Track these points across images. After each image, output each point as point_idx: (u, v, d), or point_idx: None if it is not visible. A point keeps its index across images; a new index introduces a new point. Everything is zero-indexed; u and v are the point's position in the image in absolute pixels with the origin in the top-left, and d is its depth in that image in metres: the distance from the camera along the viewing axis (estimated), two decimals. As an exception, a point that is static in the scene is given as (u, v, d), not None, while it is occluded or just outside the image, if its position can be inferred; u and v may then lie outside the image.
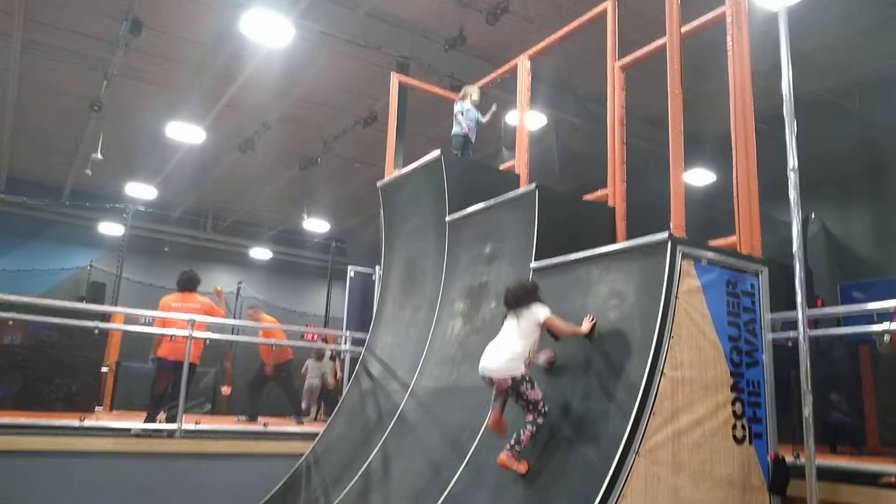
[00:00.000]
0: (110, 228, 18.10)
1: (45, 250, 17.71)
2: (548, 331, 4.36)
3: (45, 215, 17.75)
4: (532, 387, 4.18)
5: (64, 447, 5.78)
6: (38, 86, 12.52)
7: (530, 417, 4.17)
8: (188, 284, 7.49)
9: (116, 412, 9.85)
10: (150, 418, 6.87)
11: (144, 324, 8.16)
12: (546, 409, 4.20)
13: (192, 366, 6.83)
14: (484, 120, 7.41)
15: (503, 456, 4.13)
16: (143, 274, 17.60)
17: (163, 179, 15.98)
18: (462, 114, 7.21)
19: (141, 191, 16.50)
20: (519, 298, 4.33)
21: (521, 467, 4.12)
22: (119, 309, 9.58)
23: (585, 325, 4.43)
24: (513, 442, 4.14)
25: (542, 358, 4.51)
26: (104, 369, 10.08)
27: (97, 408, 9.53)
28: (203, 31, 10.58)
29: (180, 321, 6.87)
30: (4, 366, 8.84)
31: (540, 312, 4.31)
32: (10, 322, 8.02)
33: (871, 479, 4.23)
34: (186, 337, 6.70)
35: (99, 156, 13.23)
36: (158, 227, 19.18)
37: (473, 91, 7.39)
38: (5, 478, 5.49)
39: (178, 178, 15.90)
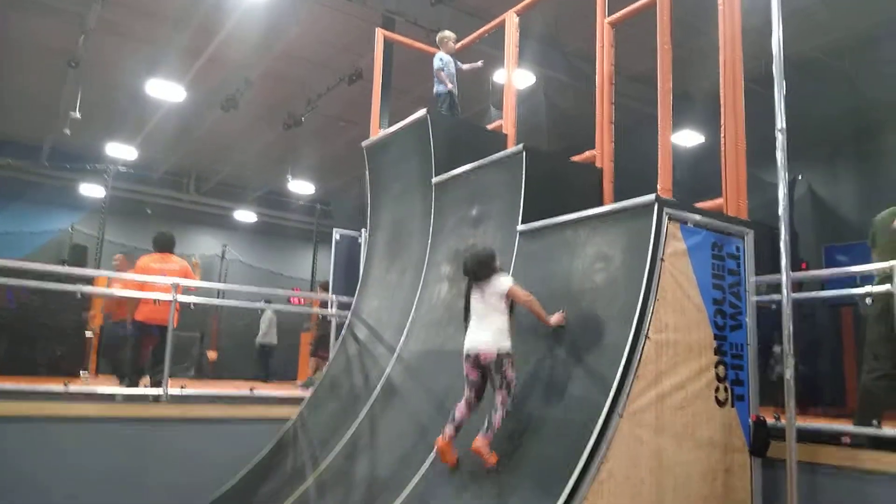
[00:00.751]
0: (91, 190, 17.95)
1: (25, 212, 17.58)
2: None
3: (24, 176, 17.57)
4: (512, 365, 4.20)
5: (49, 413, 5.82)
6: (12, 41, 12.31)
7: (500, 398, 4.14)
8: (167, 245, 7.43)
9: (102, 377, 9.91)
10: (133, 383, 6.90)
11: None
12: (516, 390, 4.19)
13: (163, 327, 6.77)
14: (465, 68, 7.37)
15: (478, 441, 4.09)
16: (125, 236, 17.50)
17: (143, 139, 15.81)
18: (443, 70, 7.17)
19: (121, 151, 16.39)
20: (477, 271, 4.31)
21: (492, 458, 4.09)
22: (101, 272, 9.55)
23: (555, 318, 4.40)
24: (486, 426, 4.12)
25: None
26: (88, 334, 10.11)
27: (83, 372, 9.57)
28: (182, -17, 10.45)
29: (160, 284, 6.86)
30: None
31: (503, 283, 4.28)
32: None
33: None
34: (170, 301, 6.70)
35: (77, 114, 13.06)
36: (140, 189, 19.01)
37: (450, 38, 7.34)
38: (-10, 443, 5.54)
39: (159, 137, 15.73)
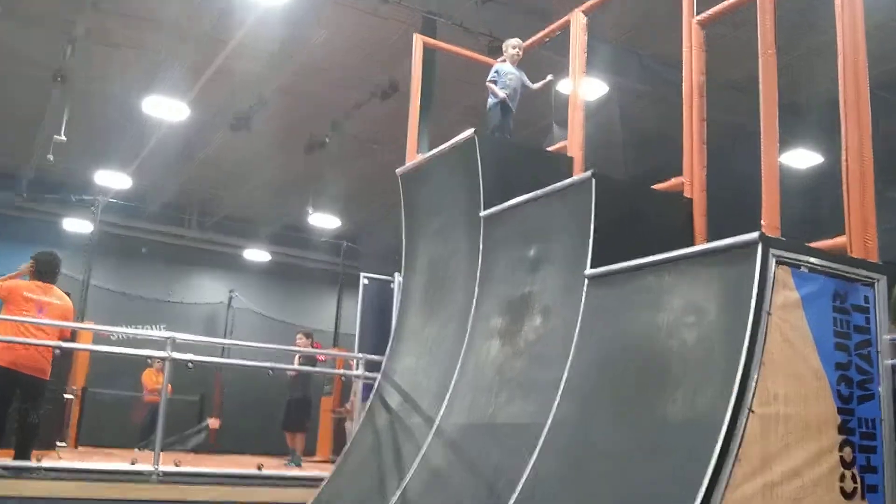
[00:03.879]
0: (76, 225, 18.42)
1: (-1, 251, 18.12)
2: None
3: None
4: None
5: (19, 492, 5.86)
6: (-13, 52, 12.73)
7: None
8: (51, 272, 7.25)
9: (83, 449, 10.04)
10: (21, 452, 6.69)
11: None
12: None
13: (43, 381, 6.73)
14: (534, 87, 7.42)
15: None
16: (116, 280, 17.94)
17: (139, 166, 16.17)
18: (496, 82, 7.24)
19: (113, 179, 16.73)
20: None
21: None
22: (85, 326, 9.75)
23: None
24: None
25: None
26: (68, 396, 10.30)
27: (59, 445, 9.70)
28: (186, -17, 10.77)
29: (34, 327, 6.69)
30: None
31: None
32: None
33: None
34: (52, 346, 6.68)
35: (62, 137, 13.47)
36: (134, 224, 19.54)
37: (510, 45, 7.39)
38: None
39: (157, 163, 16.10)
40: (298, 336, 10.69)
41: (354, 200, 18.66)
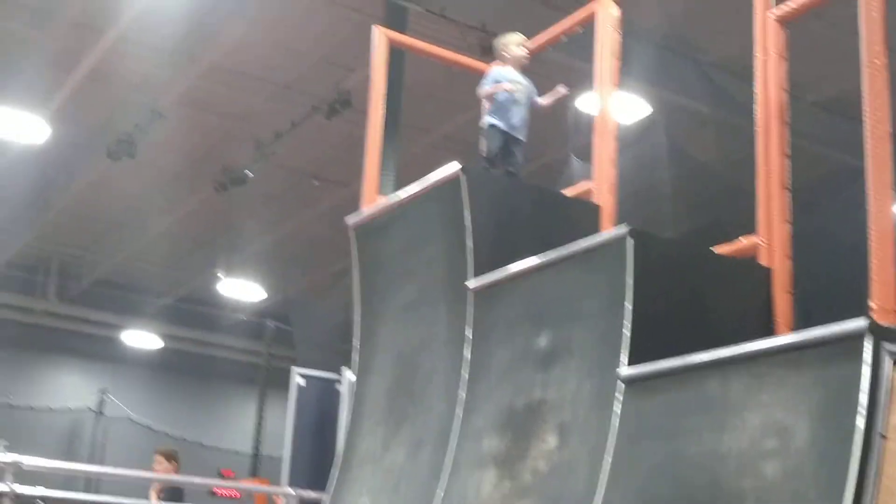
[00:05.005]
0: None
1: None
2: None
3: None
4: None
5: None
6: None
7: None
8: None
9: None
10: None
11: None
12: None
13: None
14: (542, 103, 7.40)
15: None
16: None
17: (-29, 209, 16.13)
18: (495, 92, 7.17)
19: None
20: None
21: None
22: None
23: None
24: None
25: None
26: None
27: None
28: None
29: None
30: None
31: None
32: None
33: None
34: None
35: None
36: (-37, 293, 19.36)
37: (514, 43, 7.37)
38: None
39: (1, 204, 16.03)
40: (156, 458, 10.43)
41: (286, 261, 18.61)
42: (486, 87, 7.23)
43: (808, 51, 6.84)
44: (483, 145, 7.25)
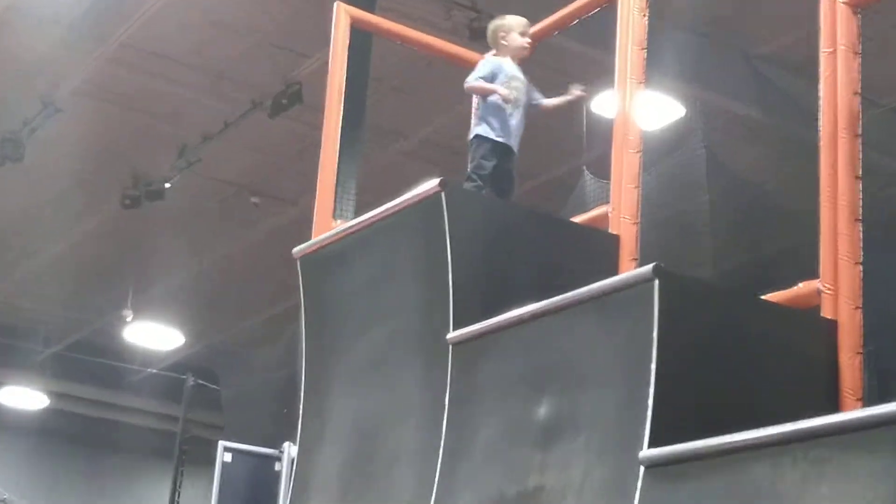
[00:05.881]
0: None
1: None
2: None
3: None
4: None
5: None
6: None
7: None
8: None
9: None
10: None
11: None
12: None
13: None
14: (548, 104, 7.09)
15: None
16: None
17: None
18: (489, 80, 6.87)
19: None
20: None
21: None
22: None
23: None
24: None
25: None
26: None
27: None
28: None
29: None
30: None
31: None
32: None
33: None
34: None
35: None
36: None
37: (513, 29, 7.02)
38: None
39: None
40: None
41: (212, 300, 18.46)
42: (477, 82, 7.00)
43: (882, 45, 6.95)
44: (470, 157, 6.99)
